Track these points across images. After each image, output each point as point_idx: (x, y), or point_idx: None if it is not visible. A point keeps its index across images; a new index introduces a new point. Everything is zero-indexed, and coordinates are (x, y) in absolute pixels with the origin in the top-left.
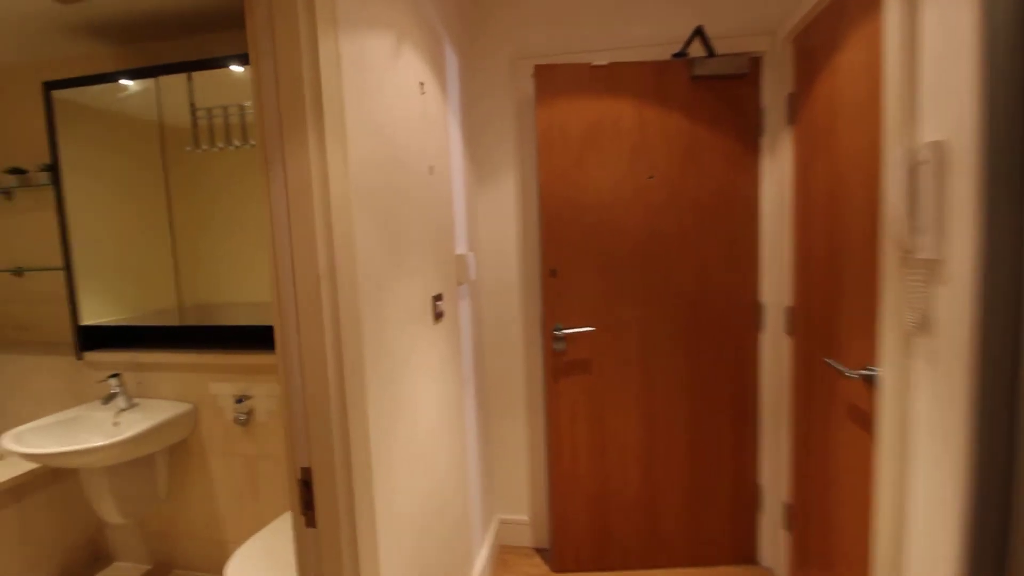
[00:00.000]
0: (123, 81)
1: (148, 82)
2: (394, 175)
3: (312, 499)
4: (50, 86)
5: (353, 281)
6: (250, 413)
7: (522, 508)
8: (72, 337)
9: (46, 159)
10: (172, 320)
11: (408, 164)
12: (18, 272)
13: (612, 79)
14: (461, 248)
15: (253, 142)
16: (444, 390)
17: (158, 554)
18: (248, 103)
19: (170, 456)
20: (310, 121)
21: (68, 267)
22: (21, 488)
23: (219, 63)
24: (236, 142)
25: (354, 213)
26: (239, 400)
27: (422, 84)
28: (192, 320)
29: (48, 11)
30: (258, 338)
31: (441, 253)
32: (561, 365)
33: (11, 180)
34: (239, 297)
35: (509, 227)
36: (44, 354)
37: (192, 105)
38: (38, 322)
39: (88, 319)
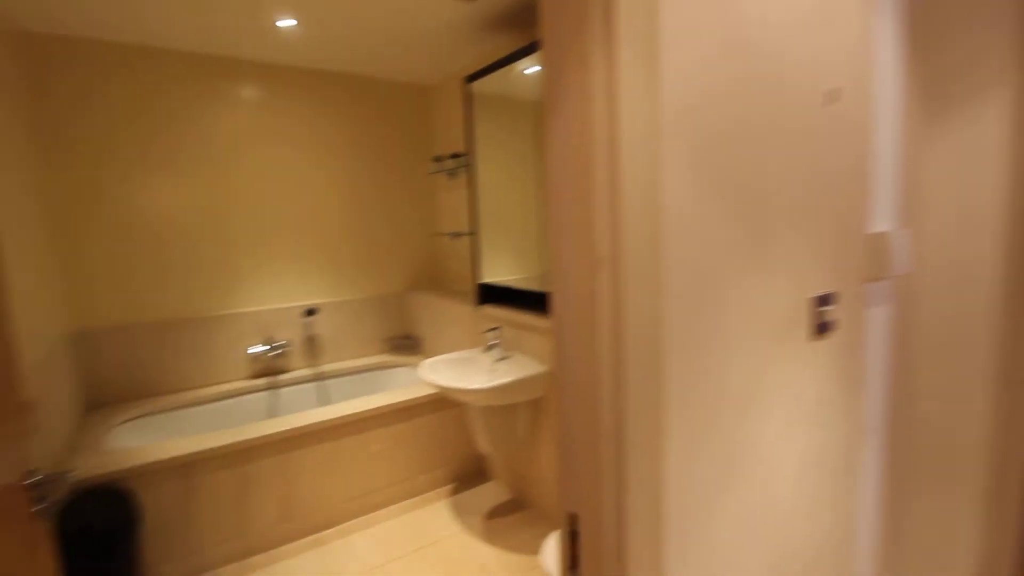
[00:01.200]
0: (523, 68)
1: (527, 62)
2: (752, 104)
3: (578, 556)
4: (469, 79)
5: (653, 271)
6: None
7: None
8: (474, 291)
9: (468, 143)
10: (537, 285)
11: (784, 86)
12: (455, 236)
13: None
14: (882, 223)
15: None
16: (821, 441)
17: (518, 488)
18: None
19: (530, 409)
20: (596, 17)
21: (474, 234)
22: (437, 403)
23: None
24: None
25: (665, 165)
26: None
27: None
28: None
29: (459, 13)
30: None
31: (838, 230)
32: None
33: (452, 163)
34: None
35: (984, 186)
36: (461, 302)
37: None
38: (462, 276)
39: (485, 277)
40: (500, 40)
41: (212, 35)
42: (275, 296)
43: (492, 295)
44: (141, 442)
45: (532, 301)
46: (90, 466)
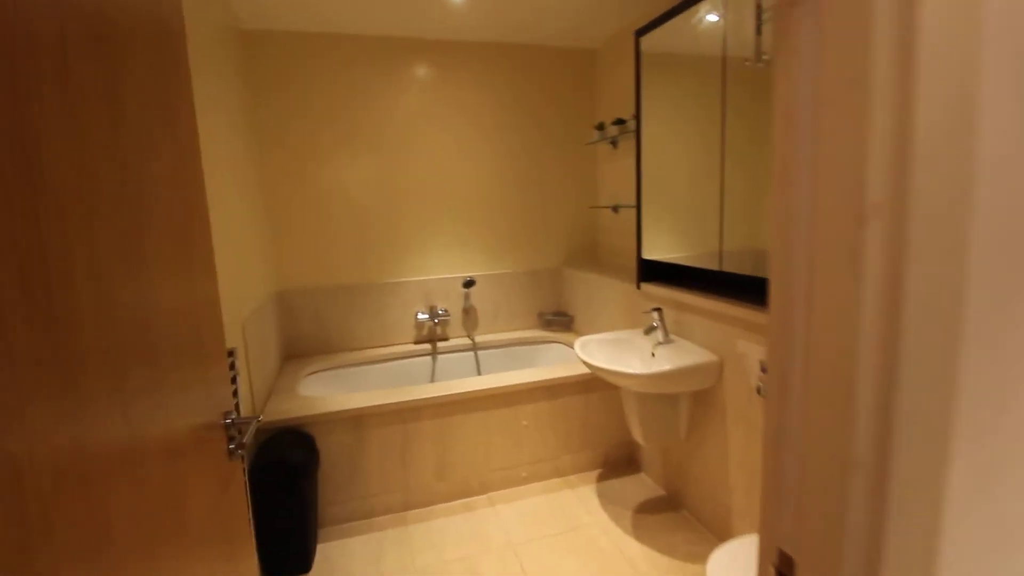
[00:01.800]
0: (702, 15)
1: (705, 7)
2: None
3: None
4: (639, 33)
5: (956, 225)
6: None
7: None
8: (635, 267)
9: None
10: (712, 264)
11: None
12: (615, 209)
13: None
14: None
15: None
16: None
17: (673, 486)
18: None
19: (692, 401)
20: None
21: (638, 206)
22: (590, 384)
23: None
24: None
25: (987, 81)
26: (764, 370)
27: None
28: (731, 267)
29: None
30: None
31: None
32: None
33: (615, 131)
34: None
35: None
36: (619, 279)
37: (758, 5)
38: (621, 251)
39: (647, 254)
40: None
41: (390, 16)
42: (438, 267)
43: (654, 273)
44: (323, 392)
45: (702, 281)
46: (283, 410)
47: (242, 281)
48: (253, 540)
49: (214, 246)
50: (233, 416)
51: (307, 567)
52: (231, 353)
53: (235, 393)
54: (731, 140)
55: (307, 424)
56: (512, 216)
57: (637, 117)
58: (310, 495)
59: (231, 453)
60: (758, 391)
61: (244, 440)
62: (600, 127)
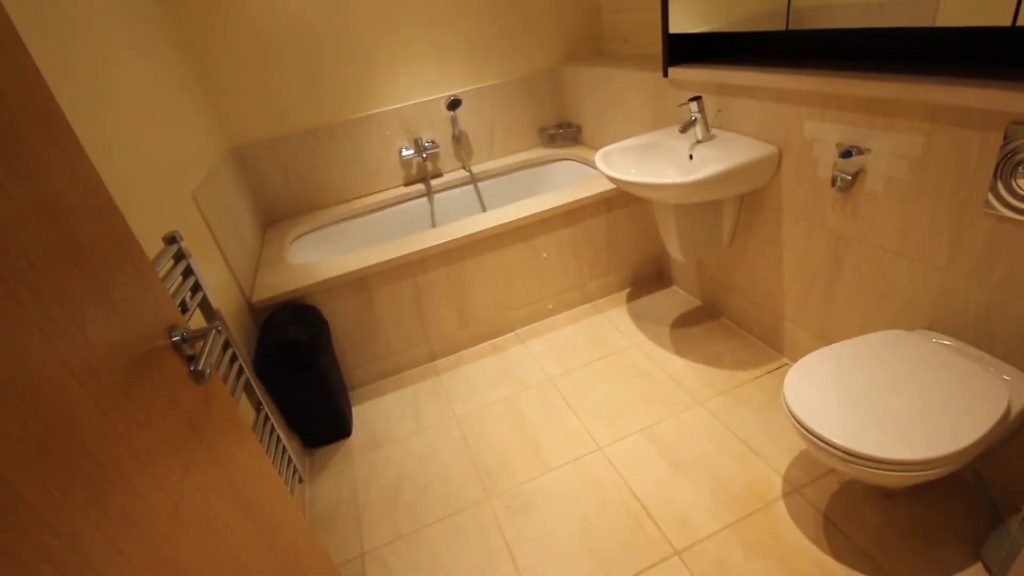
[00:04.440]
0: None
1: None
2: None
3: None
4: None
5: None
6: (857, 175)
7: None
8: (661, 48)
9: None
10: (777, 24)
11: None
12: None
13: None
14: None
15: None
16: None
17: (710, 296)
18: None
19: (739, 204)
20: None
21: None
22: (611, 201)
23: None
24: None
25: None
26: (845, 153)
27: None
28: (799, 26)
29: None
30: (893, 54)
31: None
32: None
33: None
34: None
35: None
36: (636, 68)
37: None
38: (637, 33)
39: (675, 27)
40: None
41: None
42: (414, 89)
43: (684, 53)
44: (316, 257)
45: (751, 54)
46: (276, 284)
47: (177, 147)
48: (250, 436)
49: (120, 114)
50: (183, 332)
51: (347, 432)
52: (172, 240)
53: (196, 287)
54: None
55: (307, 295)
56: (492, 8)
57: None
58: (327, 366)
59: (196, 376)
60: (833, 182)
61: (201, 367)
62: None
